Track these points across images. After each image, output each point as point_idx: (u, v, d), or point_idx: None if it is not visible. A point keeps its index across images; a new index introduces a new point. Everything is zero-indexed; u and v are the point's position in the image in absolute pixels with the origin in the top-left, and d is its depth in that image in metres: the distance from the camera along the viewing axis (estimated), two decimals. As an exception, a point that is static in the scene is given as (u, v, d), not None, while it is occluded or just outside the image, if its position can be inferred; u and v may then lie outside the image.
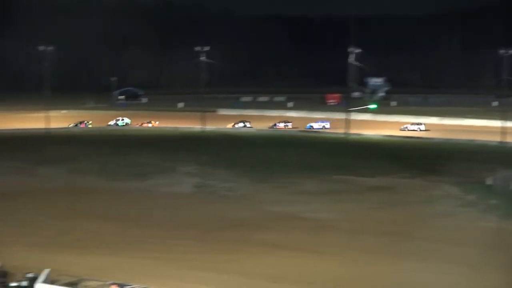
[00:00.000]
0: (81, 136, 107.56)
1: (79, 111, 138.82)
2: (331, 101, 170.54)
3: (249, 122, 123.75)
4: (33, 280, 36.91)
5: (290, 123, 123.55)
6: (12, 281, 37.38)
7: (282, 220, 55.36)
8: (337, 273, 40.88)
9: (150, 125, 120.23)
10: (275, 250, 46.18)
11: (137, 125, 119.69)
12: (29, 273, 37.81)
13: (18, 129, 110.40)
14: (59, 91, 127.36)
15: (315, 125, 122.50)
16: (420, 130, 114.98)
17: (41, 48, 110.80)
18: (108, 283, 35.51)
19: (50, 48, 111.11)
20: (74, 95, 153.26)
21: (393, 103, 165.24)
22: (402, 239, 49.05)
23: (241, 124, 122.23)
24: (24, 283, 37.01)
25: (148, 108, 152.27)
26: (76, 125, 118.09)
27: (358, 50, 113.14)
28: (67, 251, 45.09)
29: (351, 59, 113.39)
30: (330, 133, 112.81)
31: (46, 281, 36.67)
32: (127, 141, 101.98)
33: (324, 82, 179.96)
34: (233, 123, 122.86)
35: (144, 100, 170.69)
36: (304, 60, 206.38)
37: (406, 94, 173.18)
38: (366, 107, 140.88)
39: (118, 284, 35.14)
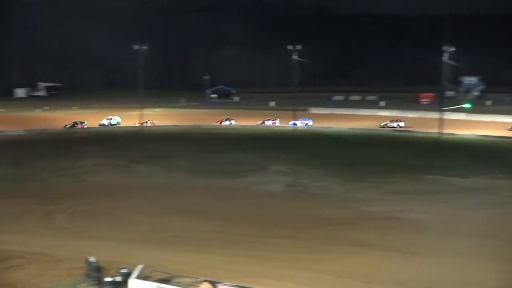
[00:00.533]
0: (173, 134, 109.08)
1: (172, 109, 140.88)
2: (424, 100, 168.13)
3: (278, 119, 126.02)
4: (126, 276, 37.60)
5: (277, 120, 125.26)
6: (106, 276, 38.17)
7: (374, 219, 54.69)
8: (430, 274, 40.13)
9: (148, 123, 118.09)
10: (368, 249, 45.58)
11: (137, 124, 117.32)
12: (123, 268, 38.58)
13: (115, 127, 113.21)
14: (153, 90, 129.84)
15: (298, 123, 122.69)
16: None
17: (136, 47, 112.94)
18: (200, 280, 35.82)
19: (145, 47, 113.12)
20: (168, 93, 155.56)
21: (488, 103, 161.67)
22: (497, 241, 47.64)
23: (270, 122, 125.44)
24: (118, 279, 37.70)
25: (239, 106, 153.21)
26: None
27: (452, 49, 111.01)
28: (160, 247, 45.69)
29: (445, 57, 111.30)
30: (423, 132, 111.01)
31: (139, 277, 37.29)
32: (218, 139, 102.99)
33: (417, 81, 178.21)
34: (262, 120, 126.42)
35: (236, 98, 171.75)
36: (396, 58, 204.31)
37: (502, 93, 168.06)
38: (460, 107, 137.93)
39: (210, 282, 35.36)
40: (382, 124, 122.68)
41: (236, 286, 34.80)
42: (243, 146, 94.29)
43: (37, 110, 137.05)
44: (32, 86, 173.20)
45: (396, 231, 50.95)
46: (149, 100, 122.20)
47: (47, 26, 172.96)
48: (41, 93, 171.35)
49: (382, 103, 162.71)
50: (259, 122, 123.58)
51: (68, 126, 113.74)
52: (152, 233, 50.73)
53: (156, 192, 66.14)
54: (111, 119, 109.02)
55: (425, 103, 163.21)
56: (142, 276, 37.44)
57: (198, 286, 35.48)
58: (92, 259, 38.87)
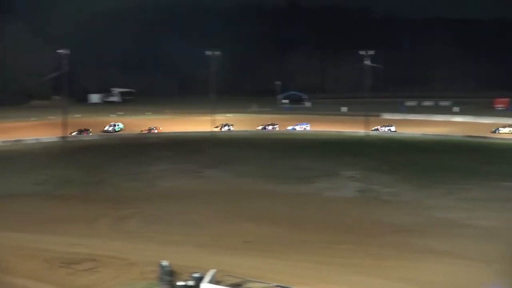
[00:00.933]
0: (243, 139, 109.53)
1: (244, 115, 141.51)
2: (499, 105, 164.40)
3: (277, 124, 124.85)
4: (199, 280, 37.94)
5: (277, 125, 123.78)
6: (179, 280, 38.60)
7: (446, 226, 53.88)
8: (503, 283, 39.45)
9: (155, 130, 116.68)
10: (438, 257, 44.82)
11: (144, 131, 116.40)
12: (195, 273, 38.97)
13: (186, 132, 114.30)
14: (225, 95, 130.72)
15: (297, 128, 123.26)
16: None
17: (208, 53, 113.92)
18: (272, 285, 35.92)
19: (217, 53, 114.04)
20: (240, 99, 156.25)
21: None
22: None
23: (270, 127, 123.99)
24: (190, 283, 38.08)
25: (311, 112, 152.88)
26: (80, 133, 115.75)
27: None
28: (231, 252, 45.84)
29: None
30: (498, 138, 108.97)
31: (211, 281, 37.56)
32: (288, 144, 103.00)
33: (492, 86, 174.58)
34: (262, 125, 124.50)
35: (308, 104, 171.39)
36: (470, 63, 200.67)
37: None
38: None
39: (282, 287, 35.48)
40: (373, 128, 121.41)
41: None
42: (313, 151, 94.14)
43: (111, 115, 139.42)
44: (107, 91, 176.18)
45: (468, 238, 49.99)
46: (221, 106, 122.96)
47: (121, 33, 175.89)
48: (115, 98, 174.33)
49: (456, 109, 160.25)
50: (259, 127, 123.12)
51: (144, 131, 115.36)
52: (223, 238, 50.97)
53: (226, 197, 66.59)
54: (115, 125, 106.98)
55: (500, 108, 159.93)
56: (214, 281, 37.69)
57: (270, 291, 35.65)
58: (165, 263, 39.33)
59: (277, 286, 35.53)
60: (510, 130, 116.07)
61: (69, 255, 45.44)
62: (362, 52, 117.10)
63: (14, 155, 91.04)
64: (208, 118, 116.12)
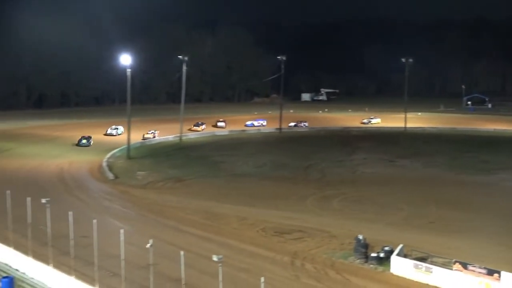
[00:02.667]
0: (432, 134, 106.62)
1: (432, 114, 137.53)
2: None
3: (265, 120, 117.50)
4: (389, 253, 37.86)
5: (264, 121, 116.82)
6: (372, 252, 38.72)
7: None
8: None
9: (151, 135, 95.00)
10: None
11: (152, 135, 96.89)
12: (386, 246, 38.92)
13: (382, 127, 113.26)
14: (416, 97, 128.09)
15: (249, 123, 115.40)
16: None
17: (403, 60, 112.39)
18: (452, 260, 35.12)
19: (410, 60, 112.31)
20: (429, 100, 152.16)
21: None
22: None
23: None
24: (382, 255, 38.08)
25: (492, 113, 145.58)
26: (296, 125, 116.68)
27: None
28: (418, 231, 45.23)
29: None
30: None
31: (399, 254, 37.42)
32: (470, 140, 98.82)
33: None
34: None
35: (489, 105, 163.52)
36: None
37: None
38: None
39: (461, 263, 34.59)
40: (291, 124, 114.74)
41: (485, 268, 33.70)
42: (493, 147, 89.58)
43: (319, 111, 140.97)
44: (316, 91, 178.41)
45: None
46: (413, 106, 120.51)
47: (331, 42, 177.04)
48: (322, 97, 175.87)
49: None
50: (248, 123, 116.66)
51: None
52: (411, 218, 50.39)
53: (416, 184, 65.60)
54: (116, 128, 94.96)
55: None
56: (402, 254, 37.50)
57: (451, 266, 34.84)
58: (360, 236, 39.59)
59: (456, 261, 34.68)
60: (304, 125, 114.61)
61: (281, 226, 46.95)
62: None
63: (240, 142, 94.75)
64: (401, 116, 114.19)
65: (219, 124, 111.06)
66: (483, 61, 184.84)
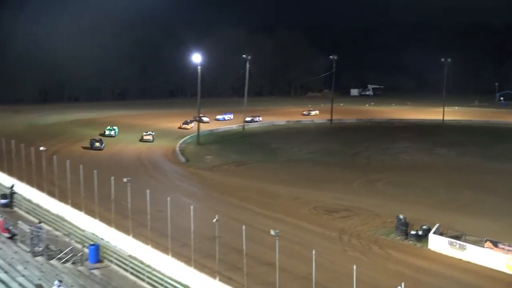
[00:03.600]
0: (469, 126, 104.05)
1: (467, 108, 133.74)
2: None
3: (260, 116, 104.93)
4: (427, 231, 37.39)
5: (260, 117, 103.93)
6: (412, 230, 38.31)
7: None
8: None
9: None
10: None
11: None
12: (424, 225, 38.45)
13: (422, 119, 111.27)
14: (453, 93, 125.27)
15: (220, 117, 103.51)
16: None
17: (442, 60, 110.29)
18: (484, 239, 34.49)
19: (449, 59, 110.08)
20: (465, 96, 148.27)
21: None
22: None
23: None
24: (420, 232, 37.65)
25: None
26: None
27: None
28: (453, 212, 44.56)
29: None
30: None
31: (436, 232, 36.97)
32: (501, 132, 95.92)
33: None
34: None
35: None
36: None
37: None
38: None
39: (492, 241, 33.93)
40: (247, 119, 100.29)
41: (514, 247, 33.05)
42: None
43: (366, 105, 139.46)
44: (363, 87, 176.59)
45: None
46: (449, 101, 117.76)
47: (376, 42, 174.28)
48: (369, 92, 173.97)
49: None
50: (247, 119, 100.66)
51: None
52: (447, 201, 49.68)
53: (452, 171, 64.49)
54: (112, 129, 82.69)
55: None
56: (438, 232, 37.05)
57: (483, 244, 34.22)
58: (401, 216, 39.26)
59: (487, 240, 34.04)
60: (259, 119, 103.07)
61: (330, 206, 46.96)
62: None
63: (296, 132, 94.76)
64: (439, 109, 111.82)
65: (204, 119, 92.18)
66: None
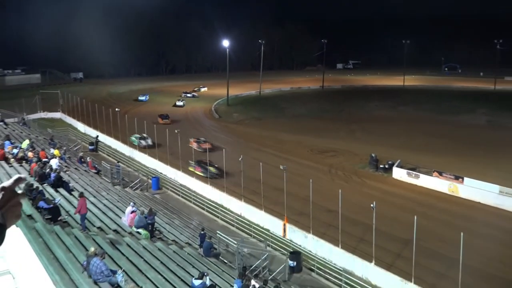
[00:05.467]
0: (422, 89, 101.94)
1: (421, 76, 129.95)
2: None
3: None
4: (391, 165, 37.24)
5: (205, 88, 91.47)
6: (380, 164, 38.17)
7: None
8: None
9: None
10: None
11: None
12: (389, 161, 38.23)
13: (386, 84, 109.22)
14: (411, 65, 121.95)
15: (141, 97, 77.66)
16: None
17: (403, 41, 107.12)
18: (432, 170, 34.24)
19: (408, 41, 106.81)
20: (420, 67, 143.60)
21: None
22: None
23: None
24: (387, 166, 37.51)
25: (461, 75, 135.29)
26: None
27: None
28: (410, 151, 44.02)
29: None
30: None
31: (397, 165, 36.87)
32: (446, 94, 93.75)
33: None
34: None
35: (459, 71, 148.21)
36: None
37: None
38: None
39: (438, 171, 33.68)
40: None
41: (453, 175, 32.76)
42: (461, 97, 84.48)
43: (348, 75, 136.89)
44: (346, 62, 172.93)
45: None
46: (409, 71, 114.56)
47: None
48: (350, 66, 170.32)
49: None
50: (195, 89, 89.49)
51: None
52: (406, 143, 49.24)
53: (410, 122, 63.57)
54: (143, 96, 77.70)
55: None
56: (399, 166, 36.90)
57: (431, 173, 34.10)
58: (373, 154, 39.08)
59: (435, 170, 33.88)
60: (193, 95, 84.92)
61: (322, 148, 46.86)
62: None
63: (297, 95, 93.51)
64: (401, 78, 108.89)
65: (178, 103, 74.83)
66: (458, 42, 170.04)
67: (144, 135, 43.21)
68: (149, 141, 42.66)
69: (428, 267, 21.15)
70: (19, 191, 1.68)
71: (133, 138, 43.50)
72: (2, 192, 1.62)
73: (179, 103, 75.25)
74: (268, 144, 48.65)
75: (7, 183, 1.68)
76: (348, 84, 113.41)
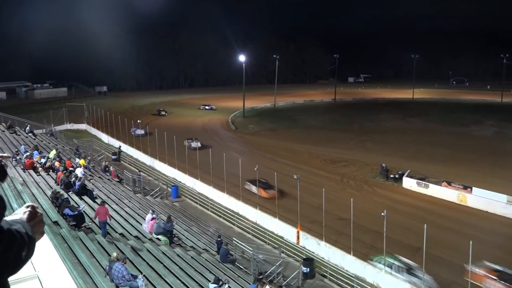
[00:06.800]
0: (430, 102, 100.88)
1: (430, 89, 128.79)
2: None
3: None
4: (401, 175, 36.78)
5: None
6: (391, 174, 37.76)
7: None
8: None
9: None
10: None
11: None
12: (399, 170, 37.78)
13: (395, 98, 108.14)
14: (420, 78, 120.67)
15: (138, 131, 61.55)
16: None
17: (412, 56, 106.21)
18: (442, 180, 33.79)
19: (417, 56, 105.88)
20: (429, 81, 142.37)
21: None
22: None
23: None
24: (397, 176, 37.08)
25: (469, 88, 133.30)
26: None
27: None
28: (419, 161, 43.40)
29: None
30: None
31: (407, 175, 36.39)
32: (454, 106, 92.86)
33: None
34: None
35: (467, 84, 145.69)
36: None
37: None
38: None
39: (447, 181, 33.20)
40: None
41: (462, 184, 32.26)
42: (471, 110, 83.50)
43: (359, 88, 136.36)
44: (357, 76, 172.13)
45: None
46: (418, 84, 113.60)
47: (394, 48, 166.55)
48: (360, 80, 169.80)
49: None
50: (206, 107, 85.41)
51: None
52: (417, 153, 48.58)
53: (418, 133, 62.66)
54: (162, 110, 76.66)
55: None
56: (409, 175, 36.44)
57: (441, 183, 33.58)
58: (384, 164, 38.64)
59: (444, 180, 33.35)
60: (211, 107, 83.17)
61: (334, 158, 46.54)
62: None
63: (310, 108, 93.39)
64: (410, 91, 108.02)
65: (161, 112, 75.51)
66: (465, 56, 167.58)
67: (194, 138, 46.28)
68: (199, 144, 45.63)
69: (437, 274, 20.77)
70: (39, 211, 1.73)
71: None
72: (30, 209, 1.69)
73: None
74: (282, 154, 48.50)
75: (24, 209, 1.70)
76: (359, 97, 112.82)
